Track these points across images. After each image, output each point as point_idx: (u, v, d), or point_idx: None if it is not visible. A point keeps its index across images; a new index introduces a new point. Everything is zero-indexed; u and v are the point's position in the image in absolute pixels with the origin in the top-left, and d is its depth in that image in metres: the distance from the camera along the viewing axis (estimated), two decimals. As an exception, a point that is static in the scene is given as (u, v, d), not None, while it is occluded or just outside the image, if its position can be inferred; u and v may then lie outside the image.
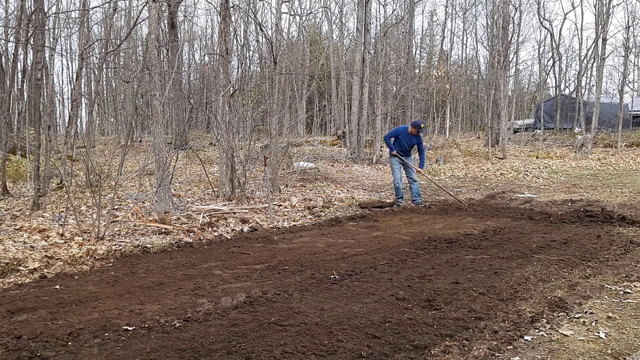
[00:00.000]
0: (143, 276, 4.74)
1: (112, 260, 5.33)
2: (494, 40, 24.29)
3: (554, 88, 32.84)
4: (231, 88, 9.51)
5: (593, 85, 29.46)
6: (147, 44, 9.10)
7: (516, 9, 27.32)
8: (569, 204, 9.31)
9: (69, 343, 3.19)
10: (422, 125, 9.43)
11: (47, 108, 16.14)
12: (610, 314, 3.67)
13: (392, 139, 9.50)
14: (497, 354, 3.03)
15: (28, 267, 4.90)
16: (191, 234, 6.62)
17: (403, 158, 9.42)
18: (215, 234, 6.73)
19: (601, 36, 24.43)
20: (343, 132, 23.53)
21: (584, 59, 31.14)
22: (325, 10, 31.60)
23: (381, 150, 18.74)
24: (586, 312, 3.73)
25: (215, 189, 10.01)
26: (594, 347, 3.13)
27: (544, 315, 3.65)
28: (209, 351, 3.05)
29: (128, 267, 5.06)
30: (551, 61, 31.57)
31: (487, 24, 32.39)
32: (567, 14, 72.98)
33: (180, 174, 12.65)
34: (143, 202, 8.83)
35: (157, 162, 8.09)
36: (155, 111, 8.12)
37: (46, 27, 12.15)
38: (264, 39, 21.75)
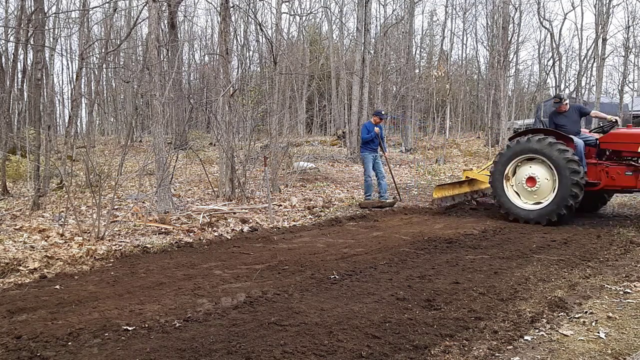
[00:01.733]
0: (143, 276, 4.74)
1: (112, 260, 5.33)
2: (494, 40, 24.30)
3: (554, 88, 32.82)
4: (231, 88, 9.51)
5: (593, 85, 29.45)
6: (147, 44, 9.11)
7: (516, 9, 27.29)
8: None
9: (69, 343, 3.19)
10: (384, 112, 9.85)
11: (47, 108, 16.14)
12: (610, 314, 3.67)
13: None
14: (497, 354, 3.03)
15: (28, 267, 4.90)
16: (191, 234, 6.62)
17: (376, 153, 9.59)
18: (215, 234, 6.73)
19: (601, 36, 24.43)
20: (343, 132, 23.51)
21: (584, 59, 31.13)
22: (325, 10, 31.59)
23: (386, 151, 18.72)
24: (586, 312, 3.73)
25: (215, 189, 10.01)
26: (594, 347, 3.13)
27: (544, 315, 3.65)
28: (209, 351, 3.05)
29: (128, 267, 5.07)
30: (551, 61, 31.57)
31: (487, 24, 32.40)
32: (567, 14, 72.89)
33: (180, 174, 12.65)
34: (143, 202, 8.83)
35: (157, 162, 8.09)
36: (155, 111, 8.12)
37: (46, 27, 12.15)
38: (264, 39, 21.76)
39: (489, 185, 8.66)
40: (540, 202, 7.48)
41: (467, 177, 9.51)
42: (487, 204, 9.33)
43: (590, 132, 8.18)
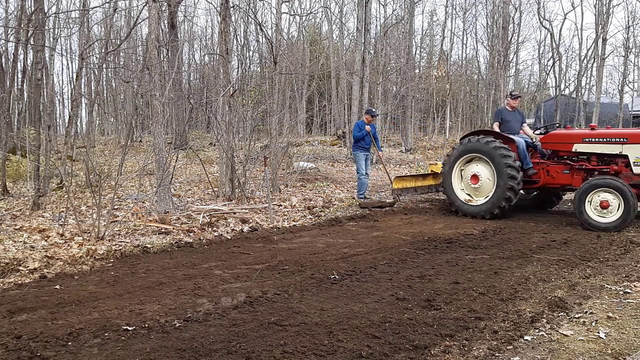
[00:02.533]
0: (143, 276, 4.74)
1: (112, 260, 5.33)
2: (494, 40, 24.27)
3: (554, 88, 32.81)
4: (231, 88, 9.51)
5: (593, 85, 29.44)
6: (147, 44, 9.10)
7: (516, 9, 27.31)
8: (569, 203, 9.32)
9: (69, 343, 3.19)
10: (374, 109, 10.21)
11: (47, 108, 16.12)
12: (610, 314, 3.67)
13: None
14: (497, 354, 3.03)
15: (28, 267, 4.90)
16: (191, 234, 6.62)
17: (368, 152, 9.81)
18: (215, 234, 6.73)
19: (601, 36, 24.44)
20: (343, 132, 23.49)
21: (584, 59, 31.11)
22: (325, 10, 31.53)
23: (380, 150, 18.71)
24: (586, 312, 3.73)
25: (215, 189, 10.01)
26: (594, 347, 3.13)
27: (544, 315, 3.65)
28: (209, 351, 3.05)
29: (128, 267, 5.07)
30: (551, 61, 31.56)
31: (487, 24, 32.37)
32: (567, 14, 72.63)
33: (180, 174, 12.64)
34: (143, 202, 8.83)
35: (157, 162, 8.09)
36: (155, 111, 8.12)
37: (46, 27, 12.15)
38: (264, 39, 21.74)
39: None
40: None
41: (432, 170, 10.09)
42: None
43: (533, 132, 8.69)
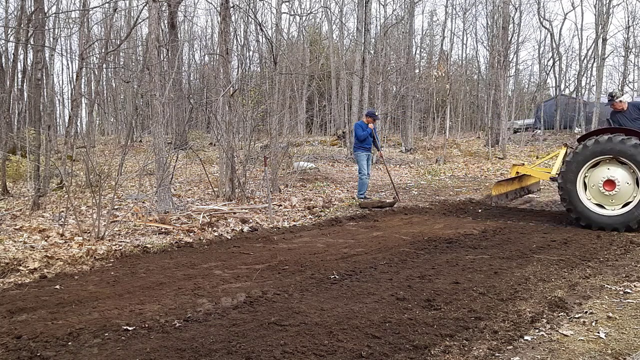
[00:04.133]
0: (143, 276, 4.74)
1: (112, 260, 5.33)
2: (494, 40, 24.26)
3: (554, 88, 32.80)
4: (231, 88, 9.51)
5: (593, 85, 29.42)
6: (147, 44, 9.10)
7: (516, 9, 27.30)
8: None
9: (69, 343, 3.19)
10: (376, 113, 10.13)
11: (47, 108, 16.14)
12: (610, 314, 3.67)
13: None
14: (497, 354, 3.03)
15: (28, 267, 4.90)
16: (191, 234, 6.62)
17: (369, 152, 9.78)
18: (215, 234, 6.73)
19: (601, 36, 24.44)
20: (343, 132, 23.50)
21: (584, 59, 31.09)
22: (325, 10, 31.56)
23: (380, 150, 18.69)
24: (586, 312, 3.73)
25: (215, 189, 10.01)
26: (594, 347, 3.13)
27: (544, 315, 3.65)
28: (209, 351, 3.05)
29: (128, 267, 5.07)
30: (551, 61, 31.55)
31: (487, 24, 32.39)
32: (567, 14, 72.43)
33: (180, 174, 12.65)
34: (143, 202, 8.83)
35: (157, 162, 8.09)
36: (155, 111, 8.12)
37: (46, 27, 12.14)
38: (264, 39, 21.73)
39: (536, 181, 8.45)
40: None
41: (517, 172, 8.98)
42: (487, 204, 9.32)
43: None
